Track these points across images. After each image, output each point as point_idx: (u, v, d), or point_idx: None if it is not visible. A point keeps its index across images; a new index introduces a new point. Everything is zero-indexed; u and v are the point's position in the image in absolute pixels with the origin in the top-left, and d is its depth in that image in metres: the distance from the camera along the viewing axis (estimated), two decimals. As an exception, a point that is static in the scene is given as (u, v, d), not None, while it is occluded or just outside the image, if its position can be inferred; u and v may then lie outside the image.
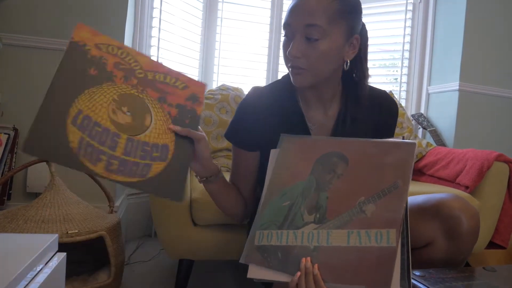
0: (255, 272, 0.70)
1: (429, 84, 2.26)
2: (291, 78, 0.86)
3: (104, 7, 1.60)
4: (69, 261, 1.39)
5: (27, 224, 1.16)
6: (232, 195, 0.95)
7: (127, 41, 1.72)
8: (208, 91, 1.77)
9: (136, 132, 0.70)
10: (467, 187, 1.50)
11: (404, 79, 2.32)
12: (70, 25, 1.57)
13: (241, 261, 0.73)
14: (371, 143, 0.73)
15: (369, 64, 2.70)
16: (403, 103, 2.32)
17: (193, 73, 2.20)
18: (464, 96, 2.05)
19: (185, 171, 0.73)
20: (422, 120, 2.13)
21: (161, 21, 1.97)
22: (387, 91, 1.95)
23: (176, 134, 0.73)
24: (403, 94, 2.32)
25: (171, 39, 2.06)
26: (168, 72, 0.77)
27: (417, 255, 0.89)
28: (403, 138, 0.73)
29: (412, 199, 0.94)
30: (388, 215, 0.64)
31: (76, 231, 1.20)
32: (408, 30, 2.28)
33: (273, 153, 0.83)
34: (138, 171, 0.67)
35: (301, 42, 0.80)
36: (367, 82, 0.93)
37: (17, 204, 1.50)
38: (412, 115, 2.18)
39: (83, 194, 1.53)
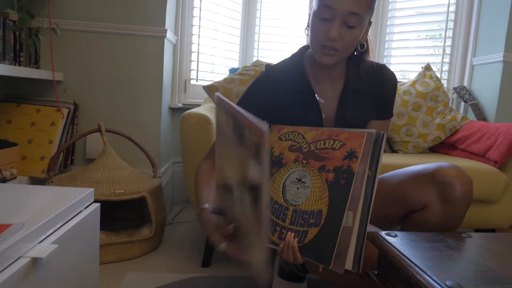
0: None
1: (473, 55, 2.15)
2: (318, 56, 0.92)
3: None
4: (119, 219, 1.62)
5: (83, 184, 1.39)
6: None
7: (169, 21, 1.87)
8: (243, 67, 1.88)
9: (299, 202, 0.82)
10: (496, 162, 1.47)
11: (448, 50, 2.22)
12: (115, 11, 1.75)
13: None
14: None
15: (412, 36, 2.59)
16: (445, 75, 2.24)
17: (234, 49, 2.31)
18: (508, 68, 1.93)
19: (334, 236, 0.74)
20: (463, 93, 2.06)
21: None
22: (426, 63, 1.93)
23: (330, 198, 0.77)
24: (446, 66, 2.23)
25: (212, 18, 2.17)
26: (328, 136, 0.83)
27: (414, 218, 0.96)
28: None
29: (414, 167, 1.01)
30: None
31: (122, 191, 1.41)
32: (454, -2, 2.16)
33: None
34: (298, 237, 0.79)
35: (341, 26, 0.86)
36: (368, 57, 0.99)
37: (78, 167, 1.76)
38: (454, 88, 2.11)
39: (132, 161, 1.75)
